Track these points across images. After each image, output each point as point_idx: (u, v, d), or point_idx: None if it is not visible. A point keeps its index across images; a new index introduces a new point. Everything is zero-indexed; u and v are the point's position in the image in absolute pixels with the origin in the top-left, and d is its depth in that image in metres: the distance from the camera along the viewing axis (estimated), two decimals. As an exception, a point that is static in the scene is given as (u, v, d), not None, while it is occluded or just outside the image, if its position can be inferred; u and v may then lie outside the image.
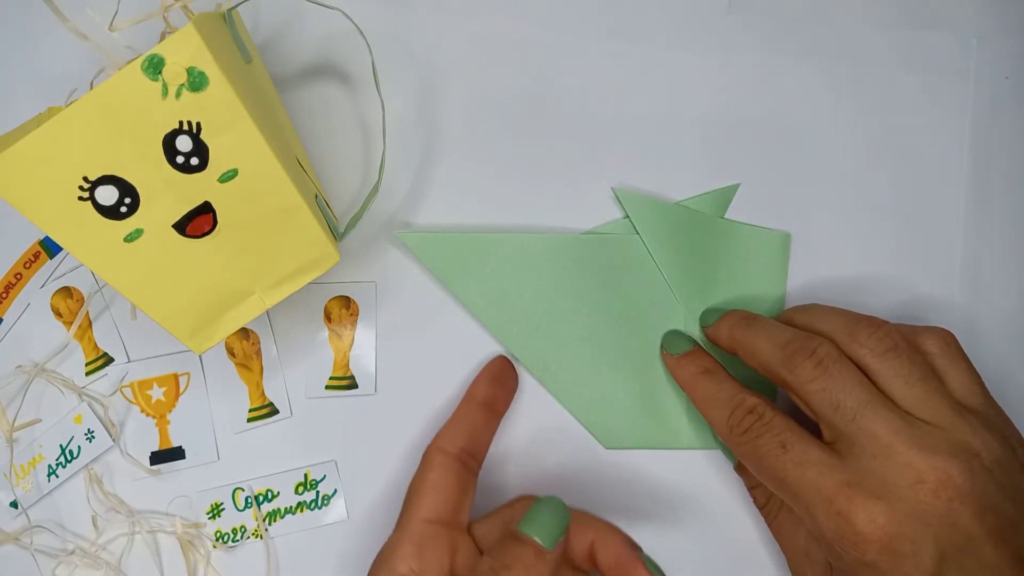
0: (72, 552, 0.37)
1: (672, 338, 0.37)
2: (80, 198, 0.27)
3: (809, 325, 0.33)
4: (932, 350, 0.31)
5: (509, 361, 0.37)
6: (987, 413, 0.30)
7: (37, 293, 0.38)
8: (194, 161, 0.28)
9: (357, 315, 0.38)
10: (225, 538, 0.38)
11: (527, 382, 0.38)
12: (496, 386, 0.36)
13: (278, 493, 0.38)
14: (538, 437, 0.38)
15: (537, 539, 0.30)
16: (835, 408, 0.30)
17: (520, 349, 0.37)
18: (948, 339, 0.32)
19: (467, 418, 0.35)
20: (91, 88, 0.34)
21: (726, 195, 0.38)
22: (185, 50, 0.26)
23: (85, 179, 0.27)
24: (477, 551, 0.32)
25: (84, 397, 0.38)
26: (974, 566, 0.28)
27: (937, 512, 0.28)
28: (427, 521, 0.32)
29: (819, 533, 0.30)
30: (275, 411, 0.38)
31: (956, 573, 0.28)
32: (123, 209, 0.28)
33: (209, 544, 0.38)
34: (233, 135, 0.28)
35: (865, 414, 0.29)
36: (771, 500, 0.35)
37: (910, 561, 0.28)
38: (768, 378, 0.33)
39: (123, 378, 0.38)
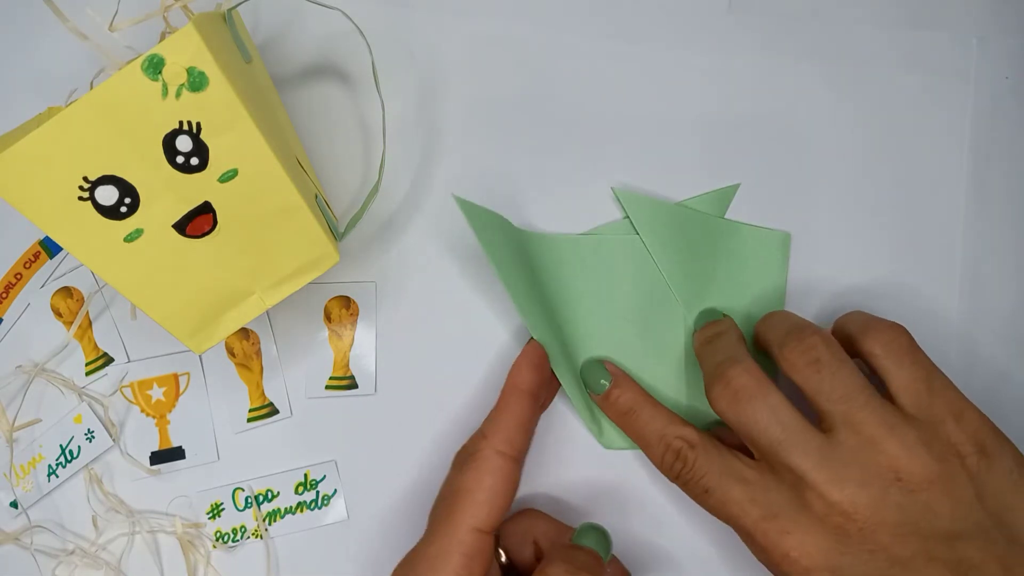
0: (72, 552, 0.37)
1: (591, 374, 0.36)
2: (80, 198, 0.27)
3: (761, 333, 0.34)
4: (875, 351, 0.30)
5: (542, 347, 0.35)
6: (930, 418, 0.29)
7: (37, 293, 0.38)
8: (194, 161, 0.28)
9: (357, 315, 0.38)
10: (225, 538, 0.38)
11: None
12: (540, 374, 0.34)
13: (278, 493, 0.38)
14: (537, 437, 0.38)
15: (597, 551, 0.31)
16: (752, 440, 0.30)
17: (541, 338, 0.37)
18: (893, 335, 0.31)
19: (518, 412, 0.32)
20: (91, 88, 0.34)
21: (726, 195, 0.38)
22: (185, 50, 0.26)
23: (85, 179, 0.27)
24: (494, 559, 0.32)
25: (84, 397, 0.38)
26: None
27: (851, 548, 0.28)
28: (479, 531, 0.30)
29: (761, 560, 0.30)
30: (275, 411, 0.38)
31: None
32: (123, 209, 0.28)
33: (209, 544, 0.38)
34: (233, 135, 0.28)
35: (781, 449, 0.29)
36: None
37: None
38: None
39: (123, 378, 0.38)
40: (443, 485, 0.32)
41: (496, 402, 0.33)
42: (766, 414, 0.30)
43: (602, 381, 0.35)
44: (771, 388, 0.30)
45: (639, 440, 0.34)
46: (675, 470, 0.32)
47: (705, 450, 0.31)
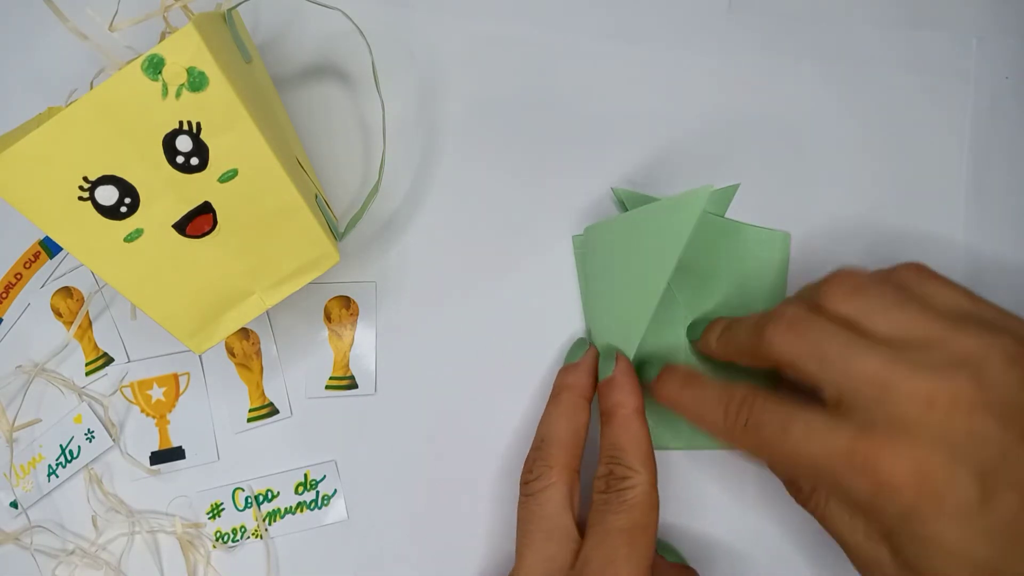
0: (72, 552, 0.37)
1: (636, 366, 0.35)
2: (80, 198, 0.27)
3: (777, 309, 0.32)
4: (906, 281, 0.29)
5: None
6: (983, 314, 0.28)
7: (37, 293, 0.38)
8: (194, 161, 0.28)
9: (357, 315, 0.38)
10: (225, 538, 0.38)
11: (530, 381, 0.38)
12: (593, 380, 0.34)
13: (278, 493, 0.38)
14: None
15: None
16: (821, 363, 0.28)
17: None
18: (919, 267, 0.30)
19: (582, 424, 0.33)
20: (91, 88, 0.34)
21: (726, 195, 0.38)
22: (185, 50, 0.26)
23: (85, 179, 0.27)
24: None
25: (84, 397, 0.38)
26: (1022, 475, 0.25)
27: (959, 432, 0.25)
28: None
29: (855, 502, 0.27)
30: (275, 411, 0.38)
31: (1008, 491, 0.25)
32: (123, 209, 0.28)
33: (209, 544, 0.38)
34: (233, 135, 0.28)
35: (852, 357, 0.27)
36: (814, 492, 0.31)
37: (951, 494, 0.25)
38: (758, 366, 0.31)
39: (123, 378, 0.38)
40: (520, 510, 0.32)
41: (554, 411, 0.33)
42: (829, 327, 0.28)
43: (654, 367, 0.34)
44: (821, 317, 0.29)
45: (699, 407, 0.31)
46: (742, 419, 0.29)
47: (771, 393, 0.29)
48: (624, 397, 0.32)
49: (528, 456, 0.33)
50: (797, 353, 0.29)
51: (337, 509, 0.38)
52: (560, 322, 0.38)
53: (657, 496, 0.30)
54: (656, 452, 0.36)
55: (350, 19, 0.34)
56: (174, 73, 0.26)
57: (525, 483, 0.32)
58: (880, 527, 0.28)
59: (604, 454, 0.32)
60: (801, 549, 0.38)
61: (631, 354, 0.35)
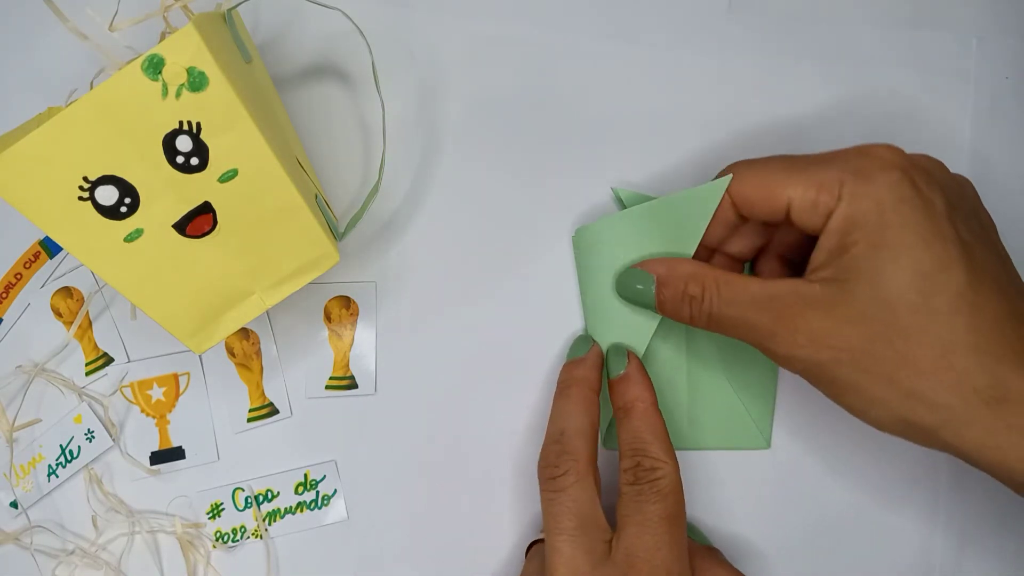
0: (72, 552, 0.37)
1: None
2: (80, 198, 0.27)
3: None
4: None
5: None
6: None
7: (37, 293, 0.38)
8: (194, 161, 0.28)
9: (357, 315, 0.38)
10: (225, 538, 0.38)
11: (530, 381, 0.38)
12: (600, 375, 0.35)
13: (278, 493, 0.38)
14: (538, 436, 0.38)
15: None
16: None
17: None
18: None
19: (596, 417, 0.33)
20: (91, 88, 0.34)
21: (721, 186, 0.37)
22: (185, 50, 0.26)
23: (85, 179, 0.27)
24: None
25: (84, 397, 0.38)
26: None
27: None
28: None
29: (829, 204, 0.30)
30: (275, 411, 0.38)
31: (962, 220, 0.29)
32: (123, 209, 0.28)
33: (209, 544, 0.38)
34: (233, 135, 0.28)
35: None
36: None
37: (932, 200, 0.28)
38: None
39: (123, 378, 0.38)
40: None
41: (568, 405, 0.34)
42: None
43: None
44: None
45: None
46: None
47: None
48: (641, 392, 0.34)
49: (547, 451, 0.33)
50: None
51: (337, 509, 0.38)
52: (560, 321, 0.38)
53: (682, 483, 0.32)
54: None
55: (350, 19, 0.34)
56: (174, 73, 0.26)
57: (551, 478, 0.32)
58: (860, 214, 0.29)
59: (627, 447, 0.32)
60: (801, 549, 0.38)
61: (642, 350, 0.35)
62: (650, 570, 0.30)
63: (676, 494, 0.31)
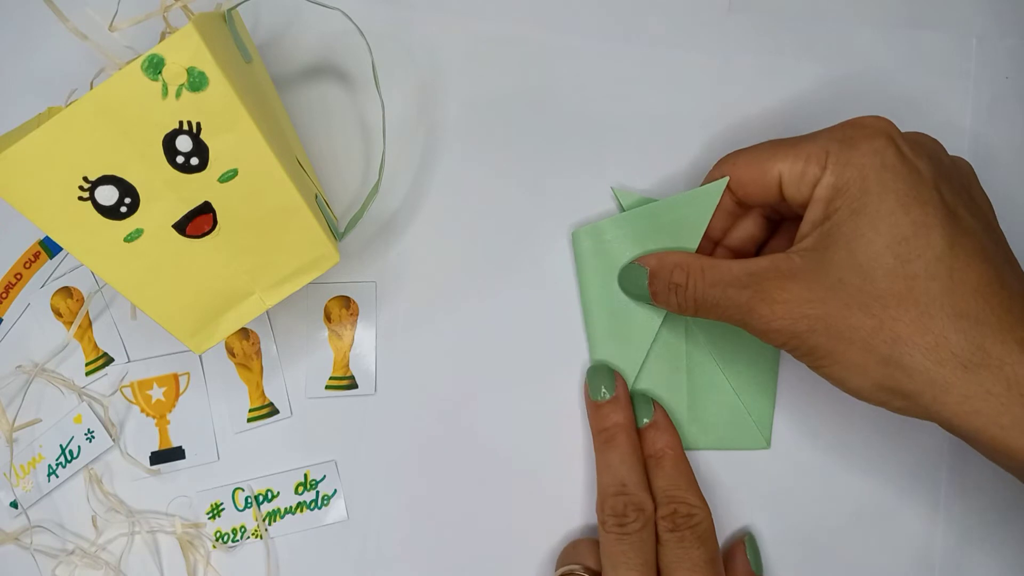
0: (72, 552, 0.37)
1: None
2: (80, 198, 0.27)
3: None
4: None
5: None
6: None
7: (37, 293, 0.38)
8: (194, 161, 0.28)
9: (357, 315, 0.38)
10: (225, 538, 0.38)
11: (530, 380, 0.38)
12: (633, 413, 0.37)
13: (278, 493, 0.38)
14: (538, 436, 0.38)
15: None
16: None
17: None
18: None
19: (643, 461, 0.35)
20: (91, 88, 0.34)
21: (720, 187, 0.37)
22: (185, 50, 0.26)
23: (85, 179, 0.27)
24: None
25: (84, 397, 0.38)
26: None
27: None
28: None
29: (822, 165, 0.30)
30: (275, 411, 0.38)
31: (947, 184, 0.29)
32: (123, 209, 0.28)
33: (209, 544, 0.38)
34: (233, 135, 0.28)
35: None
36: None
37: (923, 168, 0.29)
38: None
39: (123, 378, 0.38)
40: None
41: (619, 455, 0.35)
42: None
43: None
44: None
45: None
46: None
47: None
48: (671, 439, 0.35)
49: (614, 501, 0.34)
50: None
51: (337, 509, 0.38)
52: (560, 321, 0.38)
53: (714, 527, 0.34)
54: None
55: (350, 19, 0.34)
56: (174, 73, 0.26)
57: (620, 525, 0.33)
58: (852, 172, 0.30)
59: (663, 495, 0.34)
60: (801, 549, 0.38)
61: (644, 350, 0.36)
62: None
63: (713, 538, 0.33)
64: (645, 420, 0.36)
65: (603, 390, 0.36)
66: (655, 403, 0.36)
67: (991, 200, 0.32)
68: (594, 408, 0.36)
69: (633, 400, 0.36)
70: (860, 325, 0.28)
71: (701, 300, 0.32)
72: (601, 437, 0.36)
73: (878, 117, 0.30)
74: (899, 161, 0.29)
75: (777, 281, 0.30)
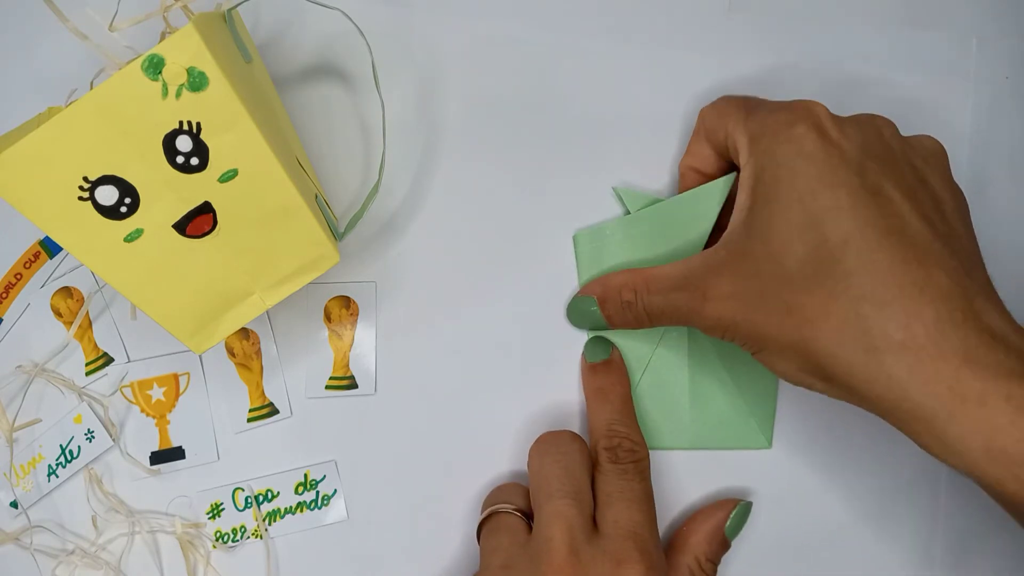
0: (72, 552, 0.37)
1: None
2: (80, 198, 0.27)
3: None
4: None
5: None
6: None
7: (37, 293, 0.38)
8: (194, 161, 0.28)
9: (357, 315, 0.38)
10: (225, 538, 0.38)
11: (531, 381, 0.38)
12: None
13: (278, 493, 0.38)
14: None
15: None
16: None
17: None
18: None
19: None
20: (91, 88, 0.34)
21: (726, 184, 0.37)
22: (185, 50, 0.26)
23: (85, 179, 0.27)
24: None
25: (84, 397, 0.38)
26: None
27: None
28: None
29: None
30: (275, 411, 0.38)
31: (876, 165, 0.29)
32: (123, 209, 0.28)
33: (209, 544, 0.38)
34: (233, 135, 0.28)
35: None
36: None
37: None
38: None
39: (123, 378, 0.38)
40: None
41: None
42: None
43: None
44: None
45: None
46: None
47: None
48: (621, 377, 0.36)
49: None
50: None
51: (337, 509, 0.38)
52: (560, 321, 0.38)
53: None
54: (656, 452, 0.37)
55: (350, 19, 0.34)
56: (174, 73, 0.26)
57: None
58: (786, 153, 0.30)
59: (606, 428, 0.34)
60: (801, 549, 0.38)
61: (648, 352, 0.37)
62: (639, 544, 0.30)
63: (650, 478, 0.33)
64: (603, 358, 0.36)
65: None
66: (613, 346, 0.37)
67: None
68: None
69: (592, 341, 0.37)
70: (775, 310, 0.29)
71: (650, 311, 0.33)
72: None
73: (810, 103, 0.30)
74: (818, 147, 0.29)
75: (708, 278, 0.31)
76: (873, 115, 0.31)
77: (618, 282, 0.34)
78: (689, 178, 0.36)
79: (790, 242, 0.28)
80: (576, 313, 0.37)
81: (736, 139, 0.32)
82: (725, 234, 0.31)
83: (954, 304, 0.27)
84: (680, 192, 0.36)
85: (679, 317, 0.32)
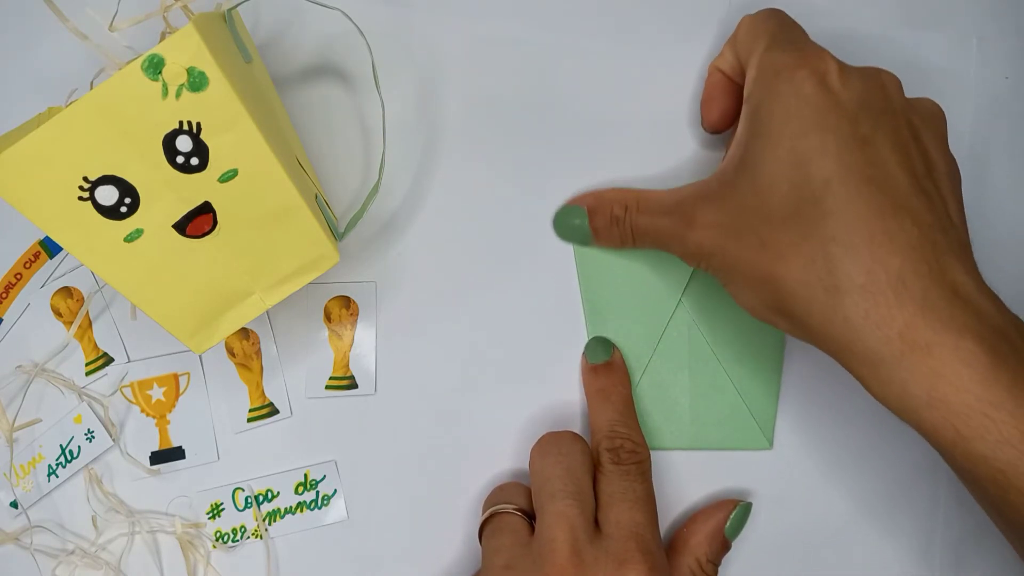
0: (72, 552, 0.37)
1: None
2: (80, 198, 0.27)
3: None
4: None
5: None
6: None
7: (37, 293, 0.38)
8: (194, 161, 0.28)
9: (357, 315, 0.38)
10: (225, 538, 0.38)
11: (531, 381, 0.38)
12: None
13: (278, 493, 0.38)
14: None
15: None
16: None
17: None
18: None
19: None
20: (91, 88, 0.34)
21: None
22: (185, 50, 0.26)
23: (85, 179, 0.27)
24: None
25: (84, 397, 0.38)
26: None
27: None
28: None
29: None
30: (275, 411, 0.38)
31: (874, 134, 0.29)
32: (123, 209, 0.28)
33: (209, 544, 0.38)
34: (233, 135, 0.28)
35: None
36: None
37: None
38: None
39: (123, 378, 0.38)
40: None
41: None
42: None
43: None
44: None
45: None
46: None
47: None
48: (623, 378, 0.36)
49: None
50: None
51: (337, 509, 0.38)
52: (560, 321, 0.38)
53: None
54: (656, 452, 0.37)
55: (350, 19, 0.34)
56: (174, 73, 0.26)
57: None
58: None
59: (608, 429, 0.34)
60: (801, 549, 0.38)
61: (649, 350, 0.37)
62: (641, 545, 0.30)
63: (651, 479, 0.34)
64: (605, 359, 0.36)
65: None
66: (615, 347, 0.37)
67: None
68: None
69: (593, 342, 0.37)
70: (750, 244, 0.29)
71: (635, 229, 0.34)
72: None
73: (822, 51, 0.30)
74: (815, 91, 0.29)
75: (697, 206, 0.31)
76: (880, 69, 0.31)
77: (612, 196, 0.35)
78: (715, 77, 0.36)
79: (775, 179, 0.29)
80: (562, 224, 0.37)
81: (749, 67, 0.32)
82: (720, 165, 0.32)
83: (921, 256, 0.27)
84: (704, 91, 0.36)
85: (662, 241, 0.33)
